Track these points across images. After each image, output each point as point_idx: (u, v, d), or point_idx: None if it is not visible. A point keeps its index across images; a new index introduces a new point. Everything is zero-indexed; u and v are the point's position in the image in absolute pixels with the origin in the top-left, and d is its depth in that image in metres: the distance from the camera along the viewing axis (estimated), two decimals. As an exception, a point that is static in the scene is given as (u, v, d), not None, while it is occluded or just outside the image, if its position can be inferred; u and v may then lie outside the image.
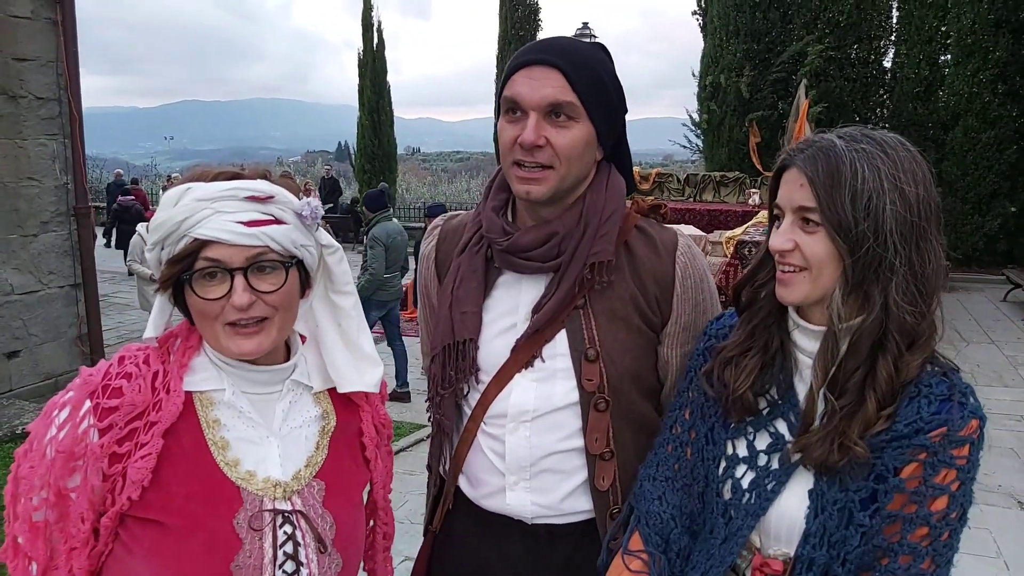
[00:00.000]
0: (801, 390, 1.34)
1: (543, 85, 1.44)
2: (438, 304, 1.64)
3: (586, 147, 1.49)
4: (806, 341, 1.33)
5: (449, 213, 1.80)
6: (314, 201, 1.26)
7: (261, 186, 1.21)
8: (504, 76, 1.51)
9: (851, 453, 1.21)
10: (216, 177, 1.21)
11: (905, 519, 1.20)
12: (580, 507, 1.56)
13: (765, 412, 1.36)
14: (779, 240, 1.26)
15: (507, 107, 1.49)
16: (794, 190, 1.25)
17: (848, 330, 1.24)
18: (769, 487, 1.32)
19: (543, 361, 1.54)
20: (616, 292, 1.54)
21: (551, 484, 1.55)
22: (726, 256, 10.05)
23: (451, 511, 1.67)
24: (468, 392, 1.61)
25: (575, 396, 1.52)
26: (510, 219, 1.60)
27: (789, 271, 1.27)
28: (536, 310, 1.53)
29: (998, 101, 13.87)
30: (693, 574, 1.40)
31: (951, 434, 1.19)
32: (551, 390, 1.53)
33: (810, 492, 1.28)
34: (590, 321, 1.52)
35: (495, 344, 1.56)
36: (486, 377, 1.57)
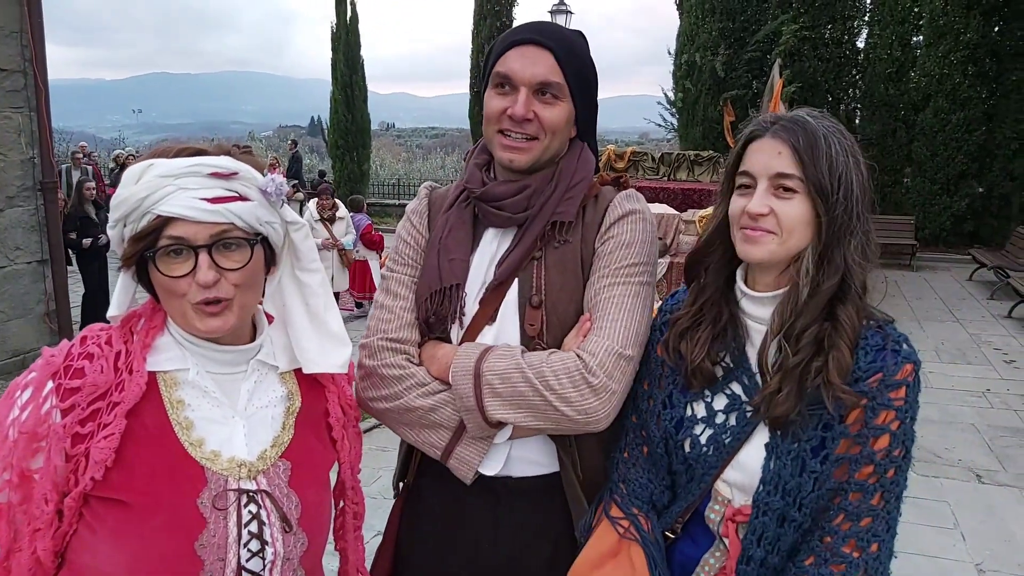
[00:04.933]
0: (752, 354, 1.43)
1: (536, 63, 1.57)
2: (427, 254, 1.69)
3: (566, 124, 1.63)
4: (755, 308, 1.43)
5: (430, 183, 1.88)
6: (278, 178, 1.26)
7: (225, 162, 1.20)
8: (494, 52, 1.63)
9: (809, 400, 1.32)
10: (179, 153, 1.19)
11: (851, 460, 1.32)
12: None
13: (721, 377, 1.46)
14: (757, 204, 1.34)
15: (498, 82, 1.60)
16: (771, 158, 1.34)
17: (808, 287, 1.33)
18: (727, 442, 1.42)
19: (502, 312, 1.60)
20: (569, 247, 1.62)
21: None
22: (699, 235, 10.11)
23: (420, 465, 1.70)
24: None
25: (518, 339, 1.58)
26: (492, 176, 1.70)
27: (759, 232, 1.35)
28: (499, 264, 1.62)
29: (968, 83, 14.05)
30: (676, 508, 1.51)
31: (886, 378, 1.31)
32: (502, 337, 1.59)
33: (767, 445, 1.38)
34: (541, 271, 1.60)
35: (471, 297, 1.64)
36: (467, 322, 1.62)
